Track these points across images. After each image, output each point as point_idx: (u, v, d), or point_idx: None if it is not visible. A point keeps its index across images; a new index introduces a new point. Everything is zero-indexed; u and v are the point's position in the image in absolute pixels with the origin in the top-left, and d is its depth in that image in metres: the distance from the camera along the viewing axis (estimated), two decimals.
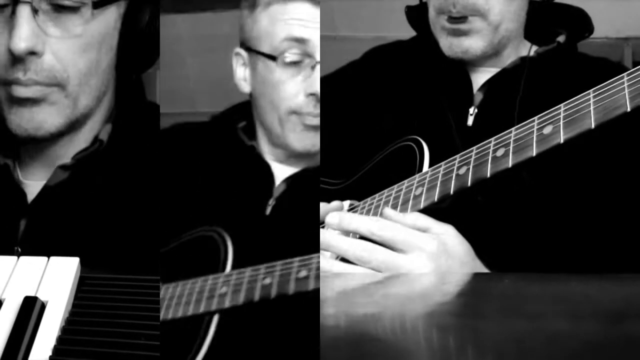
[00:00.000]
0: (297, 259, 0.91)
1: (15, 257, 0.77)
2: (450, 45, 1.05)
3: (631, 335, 0.47)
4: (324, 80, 1.03)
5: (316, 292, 0.87)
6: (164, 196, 0.95)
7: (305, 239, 0.91)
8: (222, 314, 0.94)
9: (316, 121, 0.97)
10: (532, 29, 1.10)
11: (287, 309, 0.91)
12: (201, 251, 1.00)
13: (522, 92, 1.01)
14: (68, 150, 0.96)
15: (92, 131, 0.97)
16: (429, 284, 0.81)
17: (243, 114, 1.06)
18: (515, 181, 0.93)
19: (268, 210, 1.00)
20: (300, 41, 0.95)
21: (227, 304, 0.93)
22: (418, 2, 1.15)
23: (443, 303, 0.68)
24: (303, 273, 0.89)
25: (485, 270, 0.89)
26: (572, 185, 0.96)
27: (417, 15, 1.14)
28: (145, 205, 0.93)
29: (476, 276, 0.86)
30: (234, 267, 0.96)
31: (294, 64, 0.96)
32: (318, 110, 0.97)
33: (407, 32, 1.18)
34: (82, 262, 0.77)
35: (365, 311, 0.61)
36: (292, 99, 0.96)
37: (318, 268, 0.88)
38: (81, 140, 0.96)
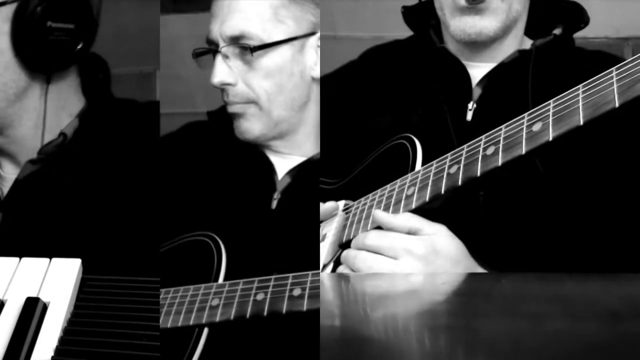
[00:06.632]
0: (291, 275, 0.90)
1: (17, 258, 0.77)
2: (464, 26, 1.02)
3: (630, 335, 0.48)
4: (323, 79, 1.03)
5: (314, 312, 0.85)
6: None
7: (307, 235, 0.92)
8: (212, 327, 0.92)
9: (234, 109, 1.02)
10: (529, 24, 1.10)
11: (282, 327, 0.90)
12: (195, 256, 0.99)
13: (531, 81, 1.01)
14: (36, 145, 0.97)
15: (39, 127, 0.97)
16: (422, 284, 0.82)
17: None
18: (529, 170, 0.93)
19: (274, 205, 1.01)
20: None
21: (218, 318, 0.91)
22: (417, 2, 1.15)
23: (439, 302, 0.68)
24: (297, 291, 0.88)
25: (479, 269, 0.89)
26: (570, 184, 0.96)
27: (415, 15, 1.14)
28: (115, 199, 0.94)
29: (473, 276, 0.86)
30: (228, 273, 0.95)
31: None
32: (228, 99, 1.01)
33: (406, 32, 1.18)
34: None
35: (360, 310, 0.61)
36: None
37: (314, 287, 0.86)
38: (45, 135, 0.97)
